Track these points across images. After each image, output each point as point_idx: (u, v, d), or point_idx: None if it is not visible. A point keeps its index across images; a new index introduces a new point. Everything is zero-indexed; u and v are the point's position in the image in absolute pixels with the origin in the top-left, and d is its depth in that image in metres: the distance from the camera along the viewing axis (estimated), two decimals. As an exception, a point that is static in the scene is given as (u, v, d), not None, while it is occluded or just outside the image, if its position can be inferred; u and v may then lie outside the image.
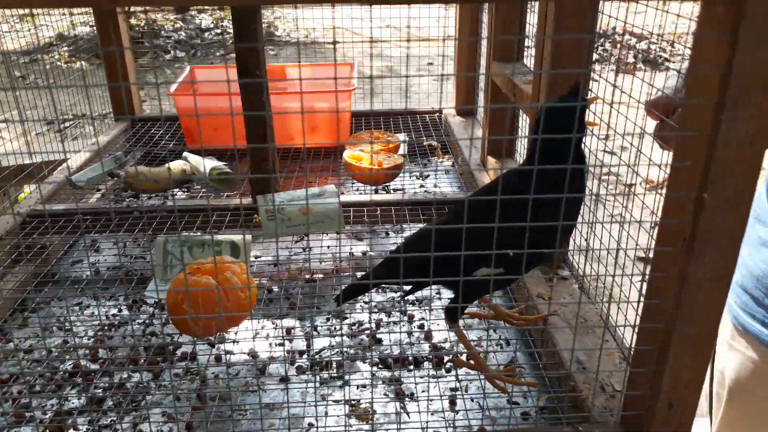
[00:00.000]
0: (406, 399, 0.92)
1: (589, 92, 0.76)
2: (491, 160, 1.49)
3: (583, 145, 0.80)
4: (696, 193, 0.57)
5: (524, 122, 1.40)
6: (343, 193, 1.50)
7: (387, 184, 1.50)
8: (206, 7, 8.38)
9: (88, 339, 1.04)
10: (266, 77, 1.22)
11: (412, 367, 0.98)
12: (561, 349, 0.87)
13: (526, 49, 1.41)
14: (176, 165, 1.44)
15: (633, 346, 0.71)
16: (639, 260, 0.80)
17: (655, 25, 0.90)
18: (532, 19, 1.36)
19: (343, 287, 0.91)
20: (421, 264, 0.76)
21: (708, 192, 0.56)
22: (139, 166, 1.43)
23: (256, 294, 0.96)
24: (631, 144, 0.73)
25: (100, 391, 0.93)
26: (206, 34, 7.22)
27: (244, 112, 1.20)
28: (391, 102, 2.31)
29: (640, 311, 0.69)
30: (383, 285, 1.17)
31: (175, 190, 1.46)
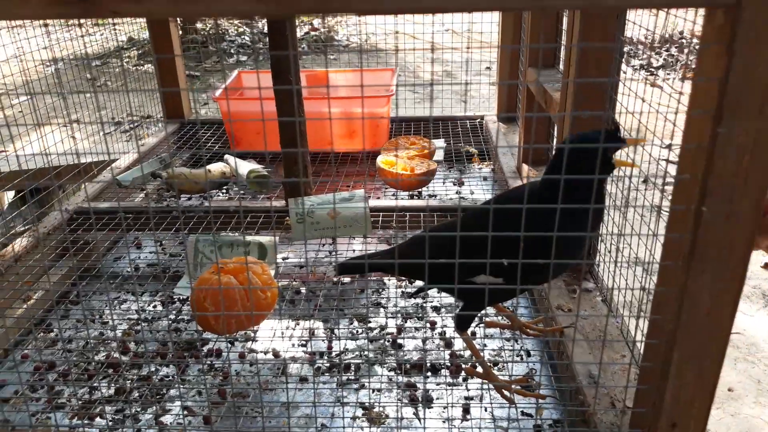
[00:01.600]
0: (420, 405, 0.92)
1: (625, 132, 0.74)
2: (525, 168, 1.47)
3: (607, 183, 0.79)
4: (695, 207, 0.56)
5: (555, 130, 1.38)
6: (378, 198, 1.52)
7: (420, 189, 1.51)
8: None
9: (122, 332, 1.09)
10: (298, 83, 1.25)
11: (429, 373, 0.99)
12: (573, 362, 0.86)
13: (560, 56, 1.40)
14: (216, 167, 1.48)
15: (639, 361, 0.69)
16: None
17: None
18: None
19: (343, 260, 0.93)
20: (420, 264, 0.77)
21: (706, 205, 0.55)
22: (180, 167, 1.48)
23: (277, 294, 0.98)
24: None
25: (128, 382, 0.97)
26: (267, 39, 7.40)
27: (278, 118, 1.24)
28: (451, 107, 2.32)
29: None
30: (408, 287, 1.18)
31: (213, 191, 1.51)
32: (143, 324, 1.10)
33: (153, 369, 1.00)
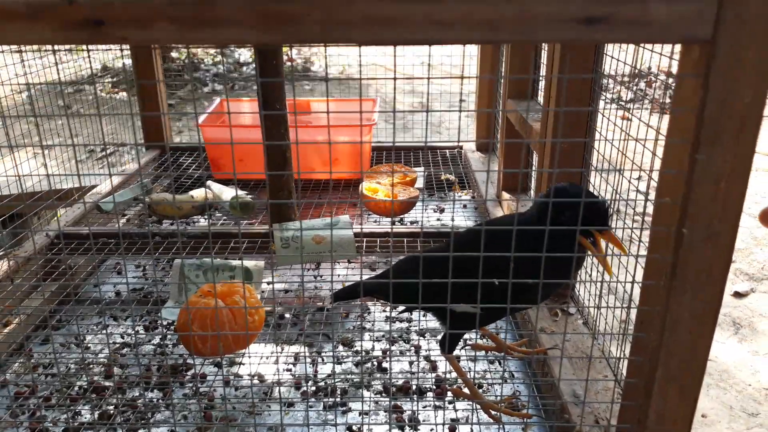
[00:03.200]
0: (407, 427, 0.93)
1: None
2: (506, 195, 1.51)
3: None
4: (676, 229, 0.59)
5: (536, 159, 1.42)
6: (360, 225, 1.54)
7: (402, 216, 1.54)
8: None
9: (104, 357, 1.09)
10: (285, 109, 1.28)
11: (415, 396, 1.00)
12: (559, 380, 0.88)
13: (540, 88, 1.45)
14: (199, 193, 1.49)
15: (623, 380, 0.72)
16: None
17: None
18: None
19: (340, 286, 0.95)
20: (411, 288, 0.78)
21: (686, 227, 0.58)
22: (163, 193, 1.49)
23: (263, 318, 0.99)
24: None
25: (111, 407, 0.96)
26: (244, 68, 7.44)
27: (264, 142, 1.26)
28: (422, 136, 2.35)
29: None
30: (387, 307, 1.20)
31: (196, 216, 1.51)
32: (125, 348, 1.09)
33: (137, 393, 1.00)
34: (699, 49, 0.55)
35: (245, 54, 8.03)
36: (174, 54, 6.88)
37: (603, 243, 0.75)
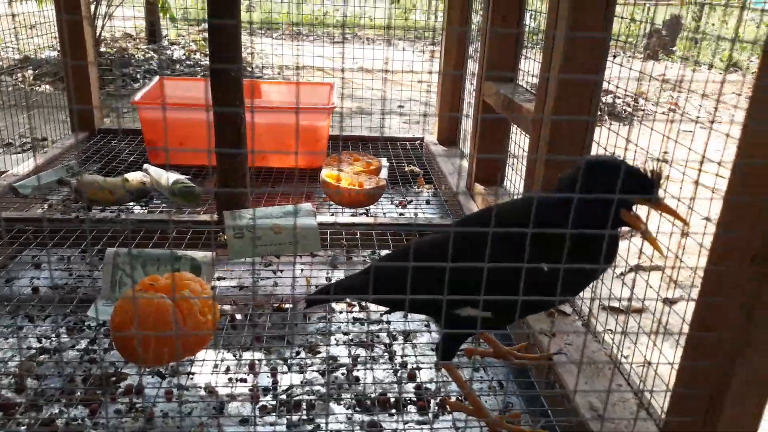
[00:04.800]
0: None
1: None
2: (479, 187, 1.38)
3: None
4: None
5: (521, 140, 1.30)
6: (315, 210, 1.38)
7: (368, 207, 1.38)
8: (179, 39, 8.32)
9: (16, 366, 0.88)
10: (240, 74, 1.10)
11: (393, 411, 0.85)
12: (577, 391, 0.75)
13: (520, 71, 1.33)
14: (135, 176, 1.30)
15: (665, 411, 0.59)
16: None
17: (619, 80, 0.85)
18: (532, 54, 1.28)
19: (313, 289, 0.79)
20: (402, 286, 0.63)
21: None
22: (92, 175, 1.28)
23: (218, 317, 0.82)
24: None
25: (24, 428, 0.77)
26: (177, 66, 7.12)
27: (214, 108, 1.08)
28: (388, 129, 2.22)
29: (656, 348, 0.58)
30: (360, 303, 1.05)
31: (131, 204, 1.31)
32: (44, 356, 0.90)
33: (57, 411, 0.81)
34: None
35: (179, 51, 7.71)
36: (102, 48, 6.51)
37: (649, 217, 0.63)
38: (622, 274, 0.71)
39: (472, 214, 0.82)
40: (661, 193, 0.60)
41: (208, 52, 1.05)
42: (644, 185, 0.59)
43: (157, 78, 1.74)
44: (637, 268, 0.72)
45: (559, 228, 0.57)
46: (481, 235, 0.60)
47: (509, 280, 0.58)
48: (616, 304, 0.96)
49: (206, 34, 1.02)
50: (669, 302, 0.58)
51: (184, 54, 8.41)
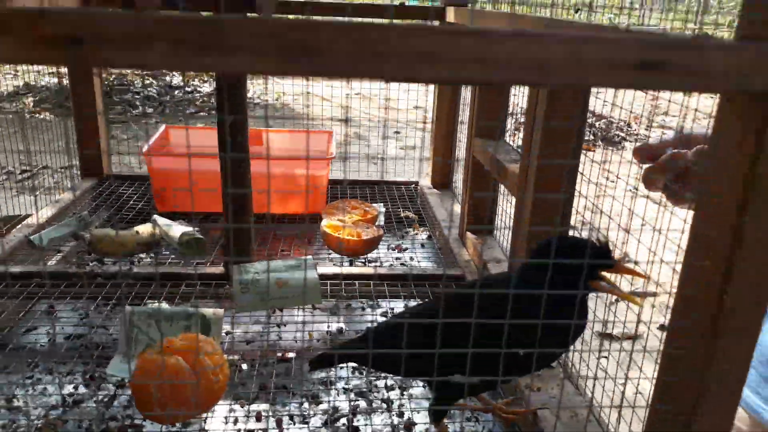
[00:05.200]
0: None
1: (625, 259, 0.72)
2: (470, 236, 1.46)
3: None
4: (718, 293, 0.55)
5: (508, 200, 1.38)
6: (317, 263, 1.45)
7: (365, 255, 1.46)
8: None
9: (39, 420, 0.95)
10: (247, 143, 1.18)
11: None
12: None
13: (508, 129, 1.41)
14: (144, 229, 1.37)
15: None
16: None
17: (614, 105, 0.92)
18: (520, 101, 1.37)
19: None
20: (396, 357, 0.72)
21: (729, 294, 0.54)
22: (104, 228, 1.35)
23: (228, 376, 0.89)
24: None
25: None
26: (176, 92, 7.22)
27: (221, 155, 1.16)
28: (361, 169, 2.30)
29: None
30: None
31: (141, 255, 1.38)
32: (65, 410, 0.96)
33: (78, 464, 0.87)
34: (753, 102, 0.51)
35: (177, 78, 7.82)
36: (102, 74, 6.62)
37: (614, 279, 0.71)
38: (616, 301, 0.79)
39: (457, 294, 0.90)
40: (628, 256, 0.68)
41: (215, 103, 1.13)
42: (601, 255, 0.68)
43: (163, 127, 1.82)
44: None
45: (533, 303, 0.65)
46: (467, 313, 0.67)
47: (492, 356, 0.65)
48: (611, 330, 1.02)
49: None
50: (663, 328, 0.66)
51: (182, 80, 8.49)
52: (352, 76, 0.46)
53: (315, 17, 0.49)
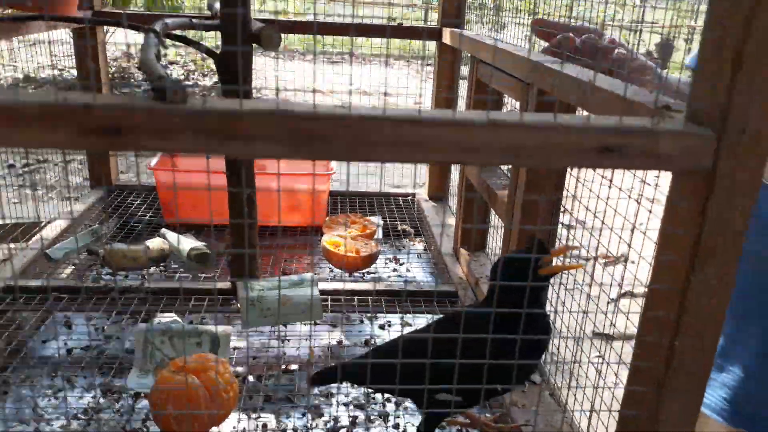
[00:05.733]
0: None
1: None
2: (464, 251, 1.54)
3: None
4: (669, 340, 0.63)
5: (497, 219, 1.46)
6: (317, 275, 1.53)
7: (364, 270, 1.54)
8: (178, 59, 8.50)
9: (62, 429, 1.03)
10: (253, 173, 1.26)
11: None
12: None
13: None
14: (155, 243, 1.45)
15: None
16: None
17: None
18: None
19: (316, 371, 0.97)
20: (389, 374, 0.80)
21: (678, 340, 0.62)
22: (117, 243, 1.43)
23: (237, 392, 0.97)
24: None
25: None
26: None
27: (227, 188, 1.24)
28: (360, 173, 2.37)
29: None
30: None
31: (151, 268, 1.46)
32: (86, 422, 1.04)
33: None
34: (700, 178, 0.58)
35: (178, 71, 7.88)
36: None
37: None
38: (614, 300, 0.87)
39: (448, 318, 0.98)
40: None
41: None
42: (540, 250, 0.78)
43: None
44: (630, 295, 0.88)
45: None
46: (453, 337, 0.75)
47: (475, 374, 0.74)
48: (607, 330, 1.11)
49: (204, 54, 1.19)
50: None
51: (183, 73, 8.53)
52: (352, 159, 0.54)
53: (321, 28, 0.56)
